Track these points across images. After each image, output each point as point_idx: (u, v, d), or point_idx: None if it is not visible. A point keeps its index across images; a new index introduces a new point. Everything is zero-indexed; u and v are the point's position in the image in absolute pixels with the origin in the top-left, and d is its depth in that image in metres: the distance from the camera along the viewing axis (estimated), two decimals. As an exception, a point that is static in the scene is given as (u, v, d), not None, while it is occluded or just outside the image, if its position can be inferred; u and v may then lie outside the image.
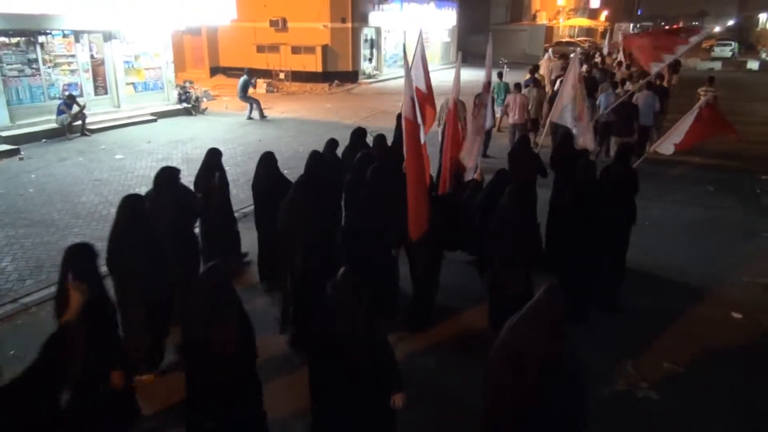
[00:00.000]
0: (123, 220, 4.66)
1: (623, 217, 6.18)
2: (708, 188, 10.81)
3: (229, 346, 3.46)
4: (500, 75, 15.01)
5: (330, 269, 3.93)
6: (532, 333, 3.13)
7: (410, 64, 6.04)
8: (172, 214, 5.41)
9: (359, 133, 7.78)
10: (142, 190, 10.08)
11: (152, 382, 4.89)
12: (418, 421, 4.39)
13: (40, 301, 6.31)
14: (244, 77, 17.49)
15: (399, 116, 7.54)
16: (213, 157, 6.69)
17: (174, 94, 17.91)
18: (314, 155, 6.56)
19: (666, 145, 8.14)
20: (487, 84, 7.62)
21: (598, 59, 23.15)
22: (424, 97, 6.84)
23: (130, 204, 4.71)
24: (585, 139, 8.46)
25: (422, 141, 5.70)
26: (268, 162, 6.43)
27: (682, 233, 8.61)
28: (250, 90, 18.03)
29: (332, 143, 7.33)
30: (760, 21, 55.72)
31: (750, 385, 5.18)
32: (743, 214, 9.57)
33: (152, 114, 16.65)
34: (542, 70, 17.54)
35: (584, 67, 15.36)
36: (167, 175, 5.60)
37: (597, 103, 12.07)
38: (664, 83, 15.44)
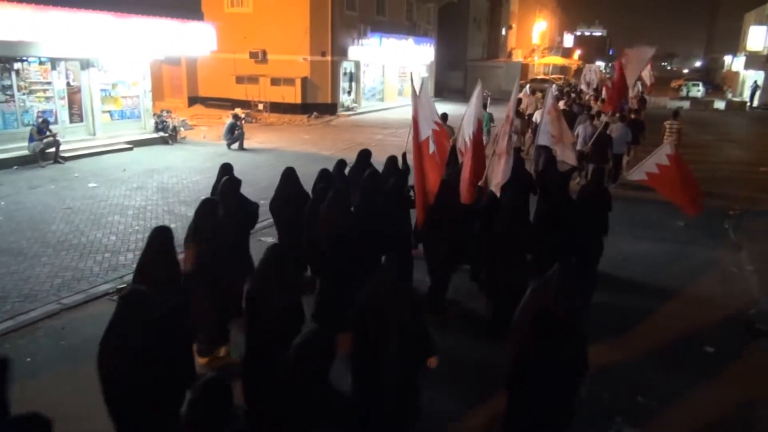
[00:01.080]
0: (200, 218, 5.61)
1: (599, 228, 7.22)
2: (678, 223, 11.05)
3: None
4: (485, 106, 15.40)
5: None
6: (548, 297, 3.95)
7: (418, 94, 7.01)
8: (237, 218, 6.27)
9: (365, 155, 8.42)
10: (115, 218, 10.04)
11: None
12: (446, 388, 5.15)
13: (3, 333, 6.11)
14: (231, 120, 17.53)
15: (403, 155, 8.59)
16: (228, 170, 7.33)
17: (151, 122, 17.82)
18: (325, 172, 7.47)
19: (639, 173, 8.42)
20: (514, 112, 8.14)
21: (573, 95, 23.95)
22: (438, 133, 7.33)
23: (207, 207, 5.65)
24: (566, 156, 9.31)
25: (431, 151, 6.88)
26: (290, 176, 7.29)
27: (652, 268, 8.75)
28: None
29: (341, 163, 8.04)
30: (726, 63, 58.00)
31: (721, 414, 5.22)
32: (712, 248, 9.78)
33: (128, 142, 16.52)
34: (523, 105, 18.36)
35: (561, 102, 16.89)
36: (231, 184, 6.47)
37: (575, 133, 12.65)
38: (640, 117, 16.50)
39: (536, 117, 12.80)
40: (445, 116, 9.43)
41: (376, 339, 4.06)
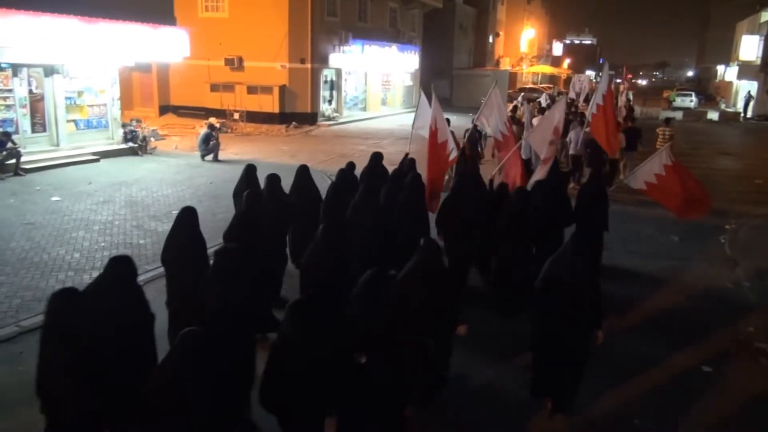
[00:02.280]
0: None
1: (599, 225, 8.21)
2: (672, 238, 11.19)
3: None
4: None
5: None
6: (565, 264, 5.06)
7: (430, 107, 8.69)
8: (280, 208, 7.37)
9: (377, 157, 9.41)
10: (80, 234, 9.90)
11: None
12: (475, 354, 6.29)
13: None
14: (206, 130, 17.47)
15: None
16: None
17: (119, 132, 17.69)
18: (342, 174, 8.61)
19: (637, 181, 8.83)
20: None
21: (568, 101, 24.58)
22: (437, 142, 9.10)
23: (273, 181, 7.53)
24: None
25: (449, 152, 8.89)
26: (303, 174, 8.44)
27: (646, 286, 8.83)
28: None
29: (351, 165, 8.97)
30: (718, 72, 59.28)
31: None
32: (708, 264, 9.90)
33: (95, 153, 16.36)
34: (519, 112, 19.56)
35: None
36: (273, 179, 7.63)
37: (567, 139, 14.22)
38: (635, 124, 17.52)
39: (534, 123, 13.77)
40: (448, 121, 10.41)
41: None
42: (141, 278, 8.13)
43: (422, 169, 8.83)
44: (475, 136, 13.96)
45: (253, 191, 7.17)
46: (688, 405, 5.79)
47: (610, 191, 9.08)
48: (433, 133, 8.80)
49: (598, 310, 5.09)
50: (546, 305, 5.16)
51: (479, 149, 14.66)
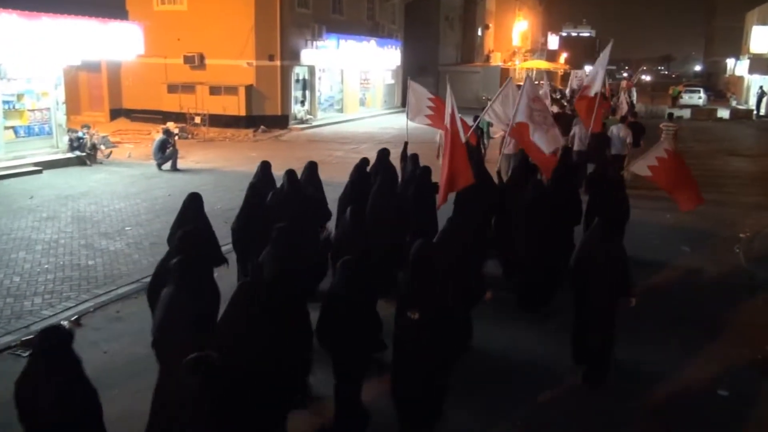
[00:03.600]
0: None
1: (621, 214, 9.27)
2: (683, 248, 11.32)
3: None
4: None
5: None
6: (594, 241, 6.44)
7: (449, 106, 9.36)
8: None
9: (385, 153, 10.46)
10: (20, 255, 9.75)
11: None
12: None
13: None
14: (162, 136, 17.36)
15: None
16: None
17: (65, 140, 17.54)
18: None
19: (641, 168, 9.56)
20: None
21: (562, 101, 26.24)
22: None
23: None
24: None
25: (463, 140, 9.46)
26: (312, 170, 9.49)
27: (657, 299, 8.90)
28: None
29: (364, 161, 10.11)
30: (728, 66, 60.35)
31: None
32: (723, 276, 10.02)
33: (37, 164, 16.21)
34: None
35: (555, 107, 21.00)
36: (291, 175, 8.56)
37: (571, 134, 15.44)
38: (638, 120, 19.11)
39: None
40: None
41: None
42: (90, 303, 8.12)
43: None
44: (477, 133, 14.75)
45: (279, 188, 8.67)
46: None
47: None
48: (447, 130, 9.44)
49: (629, 281, 6.43)
50: (580, 283, 6.50)
51: (482, 147, 15.70)
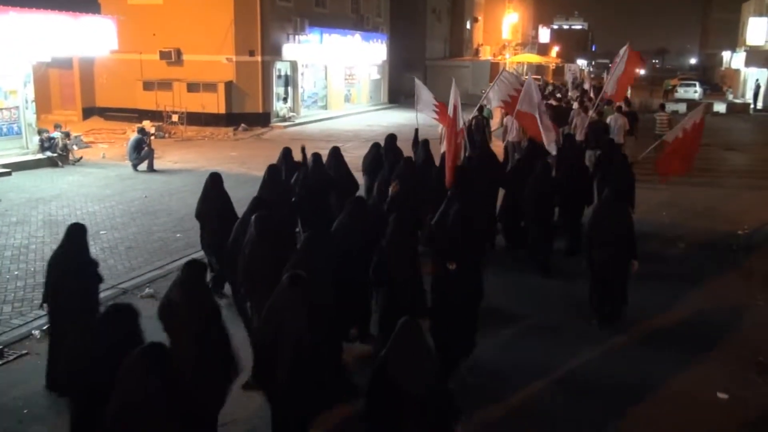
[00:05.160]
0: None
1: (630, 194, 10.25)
2: (679, 245, 11.40)
3: None
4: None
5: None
6: (604, 208, 8.09)
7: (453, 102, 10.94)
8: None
9: (393, 138, 11.79)
10: (-12, 262, 9.66)
11: None
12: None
13: None
14: (137, 135, 17.25)
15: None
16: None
17: (35, 140, 17.42)
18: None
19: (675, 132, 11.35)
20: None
21: (559, 95, 27.45)
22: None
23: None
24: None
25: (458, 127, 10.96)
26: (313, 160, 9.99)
27: (653, 300, 8.95)
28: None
29: (377, 146, 11.64)
30: (724, 59, 60.88)
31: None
32: (719, 274, 10.08)
33: (5, 166, 16.11)
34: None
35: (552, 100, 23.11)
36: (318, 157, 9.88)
37: (573, 125, 17.08)
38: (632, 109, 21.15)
39: None
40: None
41: None
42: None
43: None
44: (482, 122, 16.10)
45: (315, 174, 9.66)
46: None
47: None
48: (451, 122, 10.92)
49: (634, 245, 7.88)
50: (593, 245, 7.95)
51: (486, 134, 16.53)
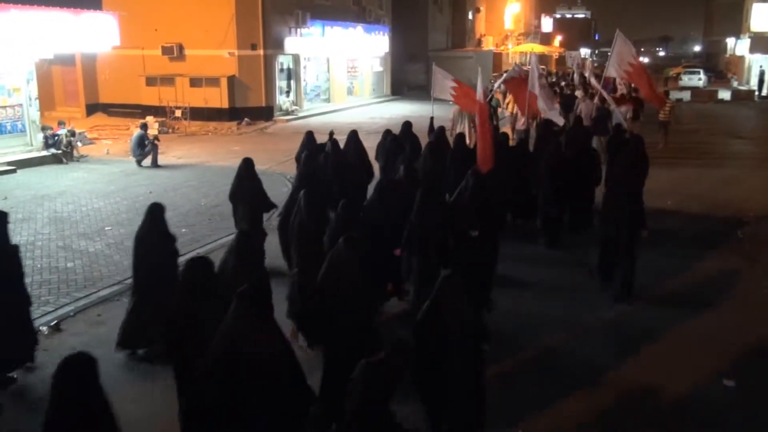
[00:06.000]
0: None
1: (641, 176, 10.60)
2: (684, 231, 11.39)
3: None
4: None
5: None
6: (619, 179, 8.92)
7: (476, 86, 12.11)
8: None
9: (409, 125, 12.79)
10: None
11: None
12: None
13: None
14: (140, 132, 17.26)
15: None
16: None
17: (39, 137, 17.44)
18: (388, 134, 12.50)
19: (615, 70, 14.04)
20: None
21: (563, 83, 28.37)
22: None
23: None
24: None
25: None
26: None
27: (657, 287, 8.95)
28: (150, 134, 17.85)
29: (387, 133, 12.53)
30: (728, 46, 60.53)
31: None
32: (724, 261, 10.08)
33: (10, 163, 16.13)
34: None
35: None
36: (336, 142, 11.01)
37: (578, 112, 17.49)
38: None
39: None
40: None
41: None
42: (70, 307, 8.09)
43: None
44: (490, 111, 16.57)
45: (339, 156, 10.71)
46: (711, 427, 5.88)
47: None
48: (482, 106, 11.91)
49: (644, 215, 8.45)
50: (607, 217, 8.75)
51: (495, 123, 17.47)
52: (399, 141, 12.20)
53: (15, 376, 6.45)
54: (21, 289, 6.64)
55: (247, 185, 9.24)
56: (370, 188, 9.82)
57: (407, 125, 12.81)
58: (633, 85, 21.61)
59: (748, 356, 7.15)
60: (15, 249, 6.73)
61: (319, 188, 8.59)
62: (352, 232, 6.08)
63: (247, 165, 9.38)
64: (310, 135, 12.00)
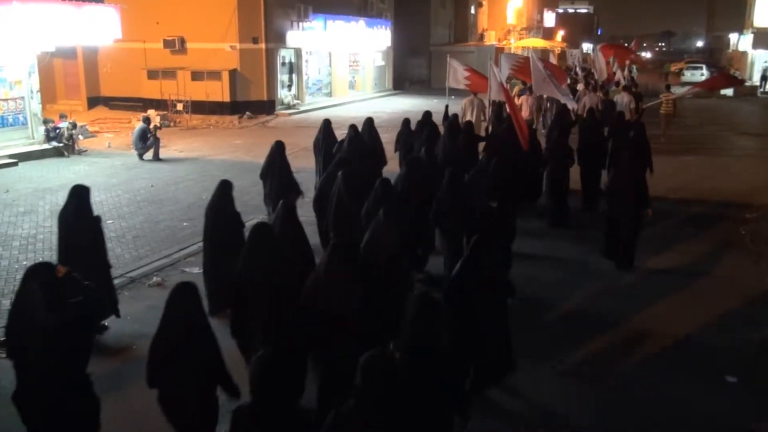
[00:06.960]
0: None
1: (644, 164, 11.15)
2: (689, 229, 11.36)
3: None
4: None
5: None
6: (624, 162, 9.63)
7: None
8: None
9: (429, 114, 13.53)
10: (-4, 252, 9.72)
11: None
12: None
13: None
14: (142, 125, 17.21)
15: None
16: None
17: (41, 130, 17.43)
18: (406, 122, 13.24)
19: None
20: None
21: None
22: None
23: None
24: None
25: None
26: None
27: (660, 285, 8.94)
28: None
29: (407, 121, 13.27)
30: (731, 42, 60.37)
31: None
32: (727, 259, 10.06)
33: (12, 156, 16.13)
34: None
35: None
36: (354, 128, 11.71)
37: (582, 104, 17.78)
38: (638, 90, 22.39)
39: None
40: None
41: None
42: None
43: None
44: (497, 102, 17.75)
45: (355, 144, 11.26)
46: (712, 421, 5.86)
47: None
48: (506, 95, 13.40)
49: (647, 196, 9.23)
50: (613, 199, 9.44)
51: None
52: (419, 128, 13.09)
53: (107, 324, 7.29)
54: (104, 254, 7.46)
55: (278, 163, 10.05)
56: (384, 172, 10.93)
57: (427, 115, 13.66)
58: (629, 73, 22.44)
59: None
60: (98, 220, 7.48)
61: (353, 171, 9.22)
62: (389, 204, 6.79)
63: (279, 146, 10.24)
64: (327, 123, 12.68)
